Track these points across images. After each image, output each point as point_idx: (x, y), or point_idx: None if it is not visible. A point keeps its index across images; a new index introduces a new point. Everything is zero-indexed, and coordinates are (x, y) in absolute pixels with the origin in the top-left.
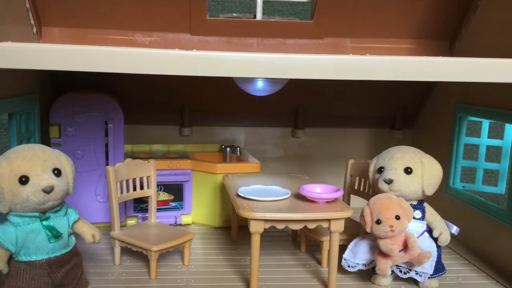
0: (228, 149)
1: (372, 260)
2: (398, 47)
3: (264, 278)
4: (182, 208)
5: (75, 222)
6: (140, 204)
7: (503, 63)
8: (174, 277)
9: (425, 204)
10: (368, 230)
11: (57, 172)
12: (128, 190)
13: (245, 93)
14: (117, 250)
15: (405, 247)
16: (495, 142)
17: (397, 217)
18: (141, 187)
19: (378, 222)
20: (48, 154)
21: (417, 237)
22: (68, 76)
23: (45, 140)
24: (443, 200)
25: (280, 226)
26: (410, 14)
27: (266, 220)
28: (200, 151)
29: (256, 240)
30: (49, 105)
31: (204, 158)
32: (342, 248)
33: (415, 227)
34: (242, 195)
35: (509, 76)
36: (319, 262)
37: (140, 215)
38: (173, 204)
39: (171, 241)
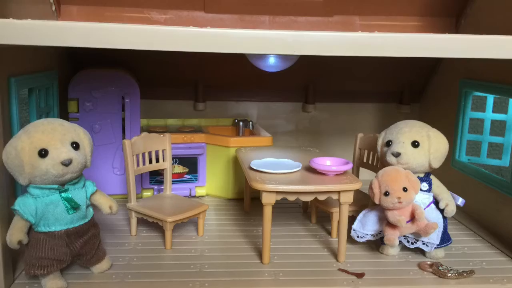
0: (241, 123)
1: (381, 231)
2: (406, 24)
3: (275, 248)
4: (196, 180)
5: (92, 194)
6: (156, 177)
7: (507, 40)
8: (188, 247)
9: (432, 177)
10: (377, 201)
11: (76, 146)
12: (144, 163)
13: (257, 69)
14: (134, 221)
15: (412, 218)
16: (499, 116)
17: (405, 189)
18: (157, 160)
19: (386, 194)
20: (67, 128)
21: (424, 209)
22: (86, 53)
23: (64, 115)
24: (449, 173)
25: (291, 198)
26: None
27: (277, 192)
28: (214, 125)
29: (268, 212)
30: (67, 80)
31: (218, 132)
32: (351, 219)
33: (422, 199)
34: (255, 167)
35: None
36: (329, 233)
37: (155, 187)
38: (187, 176)
39: (185, 212)
